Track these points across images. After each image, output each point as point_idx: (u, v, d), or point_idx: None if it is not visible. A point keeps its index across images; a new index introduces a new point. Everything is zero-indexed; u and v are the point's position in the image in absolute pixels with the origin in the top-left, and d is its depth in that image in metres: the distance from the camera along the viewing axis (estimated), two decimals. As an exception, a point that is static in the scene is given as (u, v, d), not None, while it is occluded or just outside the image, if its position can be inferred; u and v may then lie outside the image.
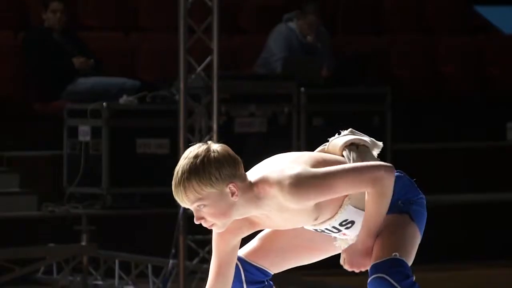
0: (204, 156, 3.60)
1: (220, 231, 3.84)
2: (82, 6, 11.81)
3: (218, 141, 4.03)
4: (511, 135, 11.67)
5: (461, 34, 12.47)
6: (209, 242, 7.63)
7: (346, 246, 3.97)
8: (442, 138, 11.49)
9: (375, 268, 3.87)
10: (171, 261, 8.51)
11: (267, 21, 11.45)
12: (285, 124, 10.08)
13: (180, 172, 3.64)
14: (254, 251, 4.24)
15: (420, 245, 4.30)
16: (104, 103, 9.69)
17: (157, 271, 8.70)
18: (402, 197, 4.00)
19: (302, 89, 10.18)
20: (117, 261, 8.87)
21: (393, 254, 3.86)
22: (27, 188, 10.05)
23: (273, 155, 4.34)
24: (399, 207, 4.00)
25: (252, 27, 11.91)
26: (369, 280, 3.94)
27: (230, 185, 3.66)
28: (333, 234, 3.98)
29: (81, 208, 9.55)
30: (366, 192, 3.81)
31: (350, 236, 3.99)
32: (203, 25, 8.64)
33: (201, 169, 3.60)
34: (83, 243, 8.96)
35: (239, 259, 4.15)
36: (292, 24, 10.68)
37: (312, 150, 4.34)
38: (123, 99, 9.78)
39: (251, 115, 9.97)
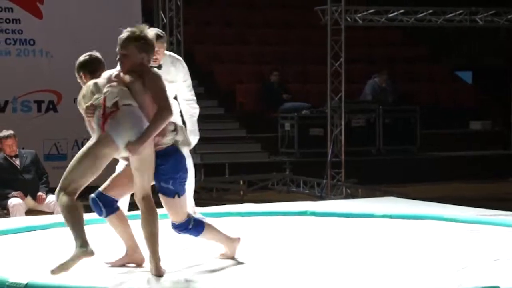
0: None
1: None
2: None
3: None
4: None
5: None
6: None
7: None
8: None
9: (176, 227, 5.06)
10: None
11: (367, 77, 15.46)
12: (372, 121, 14.32)
13: None
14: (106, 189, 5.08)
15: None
16: (295, 113, 14.04)
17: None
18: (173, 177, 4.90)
19: (380, 106, 14.51)
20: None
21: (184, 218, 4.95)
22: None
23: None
24: (172, 191, 4.90)
25: (363, 80, 15.44)
26: (176, 231, 5.12)
27: None
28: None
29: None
30: None
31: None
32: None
33: None
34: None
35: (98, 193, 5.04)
36: (376, 79, 15.13)
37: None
38: (303, 112, 14.08)
39: (359, 118, 14.24)
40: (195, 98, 6.74)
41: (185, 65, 6.68)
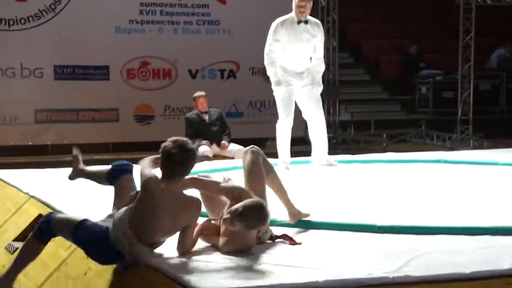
0: None
1: None
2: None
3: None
4: None
5: None
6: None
7: None
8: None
9: None
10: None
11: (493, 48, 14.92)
12: (497, 85, 13.69)
13: None
14: None
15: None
16: (431, 79, 13.53)
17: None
18: None
19: (504, 73, 13.90)
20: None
21: None
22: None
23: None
24: None
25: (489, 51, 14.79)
26: None
27: None
28: None
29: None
30: None
31: None
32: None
33: None
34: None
35: None
36: (502, 50, 14.62)
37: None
38: (437, 78, 13.52)
39: (485, 82, 13.59)
40: (323, 57, 6.90)
41: (322, 29, 6.85)
